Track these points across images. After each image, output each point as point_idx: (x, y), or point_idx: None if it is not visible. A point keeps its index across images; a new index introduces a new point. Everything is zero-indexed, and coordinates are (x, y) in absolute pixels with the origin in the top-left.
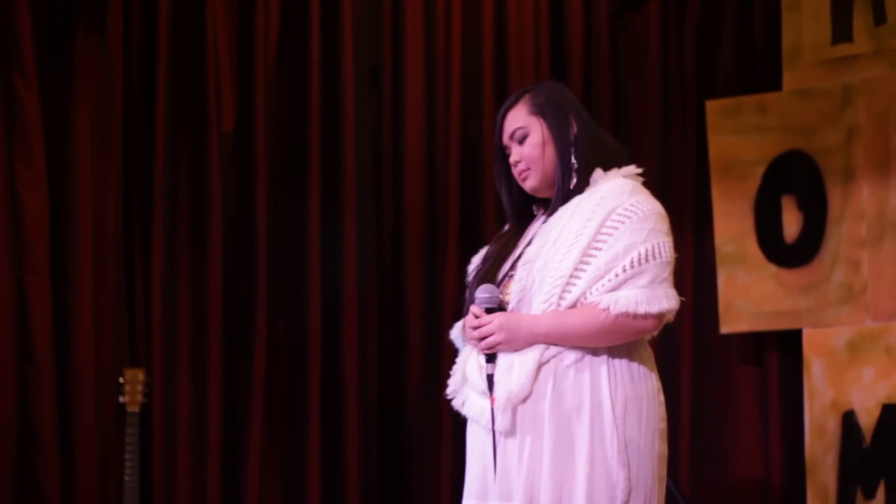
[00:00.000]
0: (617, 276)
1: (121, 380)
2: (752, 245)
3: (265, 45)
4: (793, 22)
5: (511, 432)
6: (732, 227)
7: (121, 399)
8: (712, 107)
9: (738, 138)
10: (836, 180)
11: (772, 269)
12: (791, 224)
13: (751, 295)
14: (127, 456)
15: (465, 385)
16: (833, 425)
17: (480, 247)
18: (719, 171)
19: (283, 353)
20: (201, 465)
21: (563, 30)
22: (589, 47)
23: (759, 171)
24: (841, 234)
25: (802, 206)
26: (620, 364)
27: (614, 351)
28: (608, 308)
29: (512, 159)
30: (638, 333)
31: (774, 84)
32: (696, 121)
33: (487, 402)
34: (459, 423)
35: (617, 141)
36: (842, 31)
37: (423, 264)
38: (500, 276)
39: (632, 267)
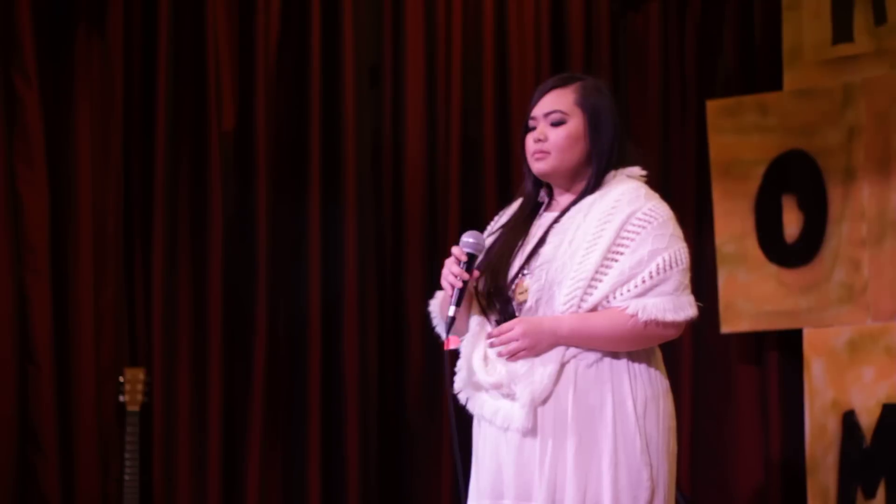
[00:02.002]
0: (644, 281)
1: (121, 379)
2: (752, 245)
3: (265, 45)
4: (793, 22)
5: (531, 432)
6: (733, 226)
7: (121, 398)
8: (713, 106)
9: (739, 138)
10: (837, 180)
11: (772, 268)
12: (791, 224)
13: (751, 295)
14: (127, 455)
15: (473, 381)
16: (833, 425)
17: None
18: (719, 170)
19: (283, 353)
20: (201, 464)
21: (563, 30)
22: (589, 47)
23: (760, 171)
24: (841, 233)
25: (803, 206)
26: (639, 362)
27: (632, 351)
28: (636, 314)
29: (535, 136)
30: (661, 340)
31: (775, 84)
32: (696, 121)
33: (499, 402)
34: (460, 422)
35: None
36: (842, 30)
37: (423, 264)
38: (512, 273)
39: (658, 273)
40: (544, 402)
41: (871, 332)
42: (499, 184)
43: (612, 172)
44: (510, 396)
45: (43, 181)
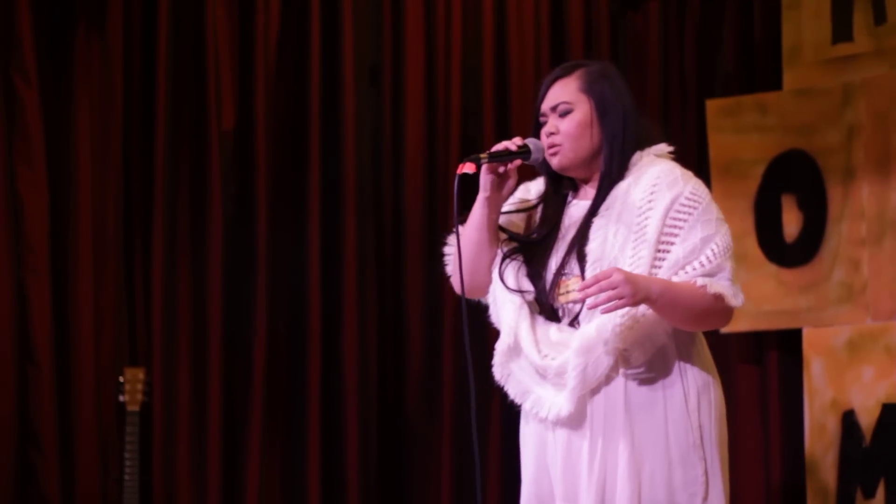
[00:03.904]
0: (702, 265)
1: (121, 379)
2: (752, 244)
3: (265, 45)
4: (793, 21)
5: (580, 429)
6: (732, 226)
7: (121, 398)
8: (712, 106)
9: (739, 138)
10: (836, 180)
11: (772, 268)
12: (791, 223)
13: (751, 294)
14: (127, 455)
15: (514, 360)
16: (833, 425)
17: None
18: (719, 170)
19: (282, 353)
20: (201, 464)
21: (563, 30)
22: (589, 47)
23: (760, 171)
24: (841, 233)
25: (802, 206)
26: (688, 355)
27: (681, 344)
28: (705, 286)
29: (546, 129)
30: (715, 326)
31: (774, 83)
32: (696, 120)
33: (544, 391)
34: (460, 422)
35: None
36: (842, 30)
37: (423, 264)
38: (551, 273)
39: (714, 258)
40: (595, 391)
41: (871, 332)
42: None
43: (638, 154)
44: (558, 385)
45: (43, 181)
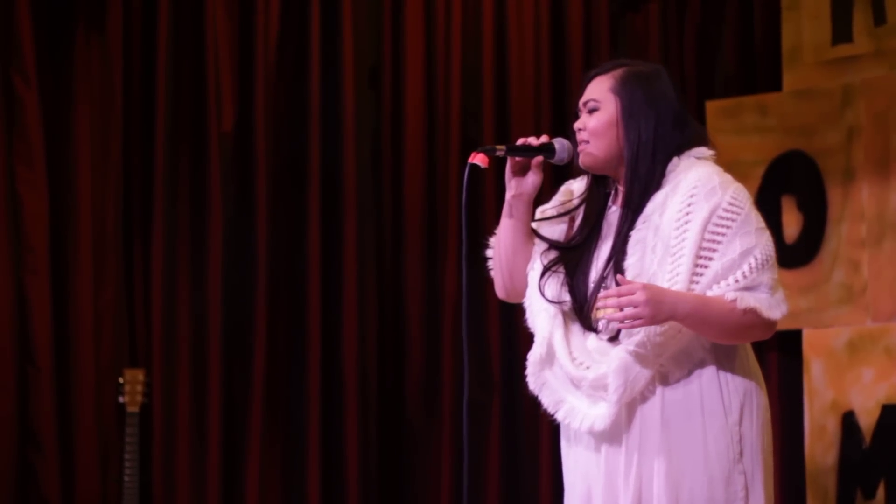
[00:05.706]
0: (737, 281)
1: (120, 380)
2: None
3: (265, 45)
4: (793, 22)
5: (616, 442)
6: None
7: (120, 399)
8: (712, 107)
9: (738, 139)
10: (836, 181)
11: None
12: (791, 224)
13: None
14: (127, 456)
15: (548, 368)
16: (833, 426)
17: (480, 247)
18: None
19: (282, 353)
20: (201, 465)
21: (563, 30)
22: (589, 47)
23: (759, 172)
24: (841, 234)
25: (802, 207)
26: (730, 366)
27: (721, 356)
28: (735, 301)
29: (576, 125)
30: (756, 338)
31: (774, 84)
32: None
33: (579, 402)
34: (460, 422)
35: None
36: (842, 31)
37: (423, 264)
38: (591, 286)
39: (751, 272)
40: (631, 408)
41: (871, 333)
42: (498, 185)
43: (675, 160)
44: (592, 396)
45: (42, 182)
